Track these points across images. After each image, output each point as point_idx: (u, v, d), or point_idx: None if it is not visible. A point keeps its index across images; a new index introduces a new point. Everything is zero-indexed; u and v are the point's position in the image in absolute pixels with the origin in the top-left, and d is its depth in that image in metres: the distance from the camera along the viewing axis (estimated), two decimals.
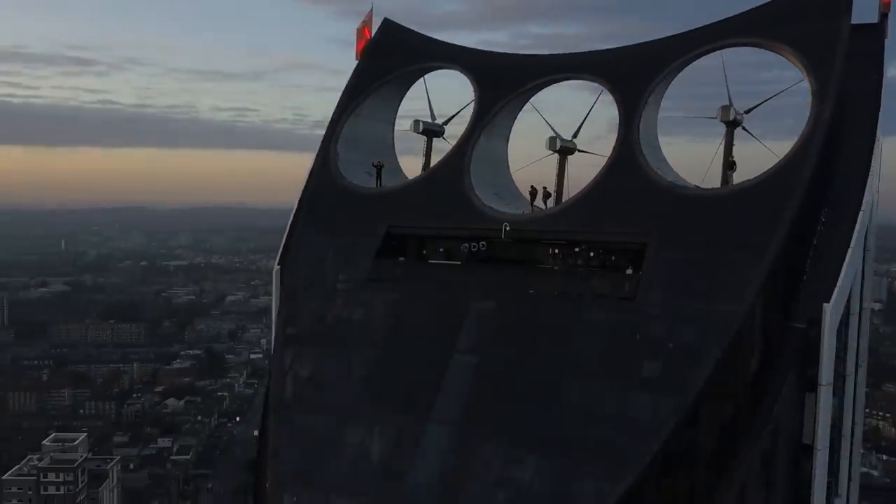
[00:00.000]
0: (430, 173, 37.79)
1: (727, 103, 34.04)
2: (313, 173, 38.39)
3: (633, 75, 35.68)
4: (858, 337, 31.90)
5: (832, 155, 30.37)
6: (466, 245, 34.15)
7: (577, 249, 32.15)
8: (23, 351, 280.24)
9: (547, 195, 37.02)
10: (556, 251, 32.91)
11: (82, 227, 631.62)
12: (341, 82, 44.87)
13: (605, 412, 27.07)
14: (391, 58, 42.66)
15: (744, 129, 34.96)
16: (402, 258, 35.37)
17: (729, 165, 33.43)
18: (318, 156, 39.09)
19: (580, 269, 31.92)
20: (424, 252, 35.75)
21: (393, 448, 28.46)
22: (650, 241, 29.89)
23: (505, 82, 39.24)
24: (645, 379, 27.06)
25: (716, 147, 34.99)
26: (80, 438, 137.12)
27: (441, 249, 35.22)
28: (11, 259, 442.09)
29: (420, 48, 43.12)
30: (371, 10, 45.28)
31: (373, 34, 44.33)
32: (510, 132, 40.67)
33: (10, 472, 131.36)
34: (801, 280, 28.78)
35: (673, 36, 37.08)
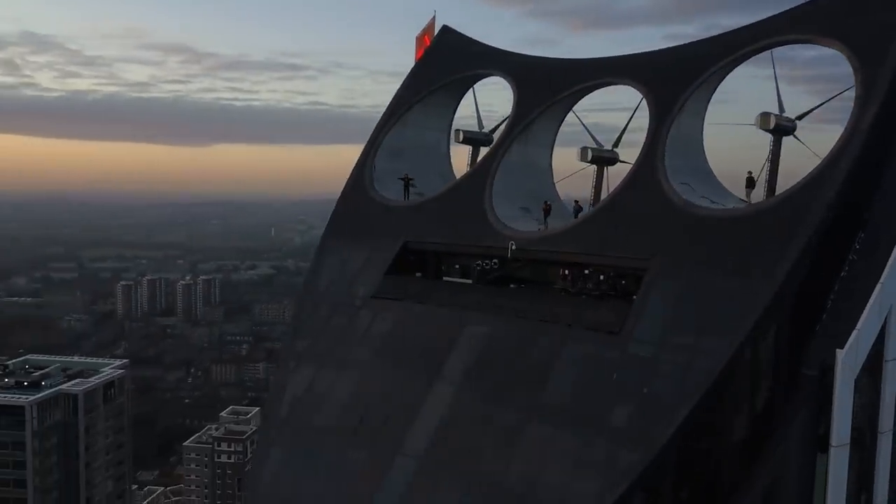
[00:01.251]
0: (453, 186, 36.38)
1: (772, 110, 29.54)
2: (347, 184, 38.50)
3: (669, 79, 32.00)
4: None
5: (873, 170, 25.18)
6: (479, 263, 32.65)
7: (586, 272, 29.42)
8: (228, 327, 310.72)
9: (578, 209, 34.30)
10: (566, 273, 30.41)
11: (291, 217, 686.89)
12: None
13: (564, 462, 24.33)
14: (444, 66, 41.65)
15: (795, 137, 30.12)
16: (419, 274, 34.51)
17: (748, 182, 28.95)
18: (355, 166, 39.15)
19: (585, 294, 29.19)
20: (442, 268, 34.63)
21: (358, 480, 27.59)
22: (651, 267, 26.65)
23: (546, 89, 36.92)
24: (614, 428, 24.05)
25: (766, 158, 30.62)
26: (253, 412, 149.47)
27: (457, 266, 33.93)
28: (227, 245, 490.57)
29: (473, 55, 41.68)
30: (433, 17, 44.55)
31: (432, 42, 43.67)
32: (553, 141, 38.18)
33: (190, 440, 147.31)
34: (820, 318, 24.20)
35: (718, 35, 32.78)
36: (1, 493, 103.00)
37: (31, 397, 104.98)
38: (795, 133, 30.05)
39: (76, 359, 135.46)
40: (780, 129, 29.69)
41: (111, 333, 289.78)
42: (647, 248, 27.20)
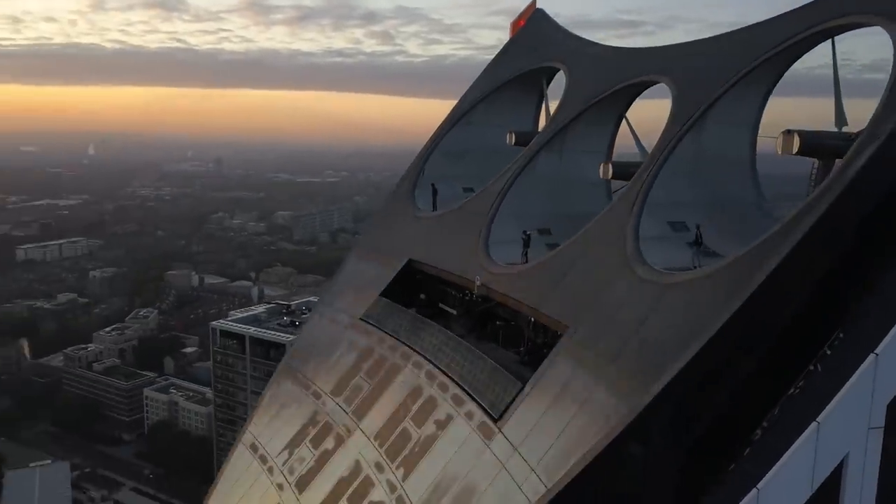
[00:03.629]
0: (469, 200, 31.46)
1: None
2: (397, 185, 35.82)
3: (698, 81, 23.79)
4: None
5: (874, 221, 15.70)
6: (465, 294, 28.05)
7: (530, 323, 23.43)
8: None
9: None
10: (513, 322, 24.79)
11: None
12: None
13: None
14: (521, 57, 36.36)
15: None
16: (423, 295, 30.84)
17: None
18: (408, 170, 36.25)
19: (525, 352, 23.30)
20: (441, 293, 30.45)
21: None
22: (564, 336, 20.28)
23: (594, 88, 30.08)
24: None
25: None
26: None
27: (452, 293, 29.61)
28: None
29: (551, 44, 35.60)
30: (533, 1, 38.88)
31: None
32: (605, 147, 31.06)
33: None
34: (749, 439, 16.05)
35: (760, 24, 23.29)
36: None
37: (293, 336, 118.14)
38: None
39: None
40: (820, 149, 20.18)
41: None
42: (569, 308, 20.76)
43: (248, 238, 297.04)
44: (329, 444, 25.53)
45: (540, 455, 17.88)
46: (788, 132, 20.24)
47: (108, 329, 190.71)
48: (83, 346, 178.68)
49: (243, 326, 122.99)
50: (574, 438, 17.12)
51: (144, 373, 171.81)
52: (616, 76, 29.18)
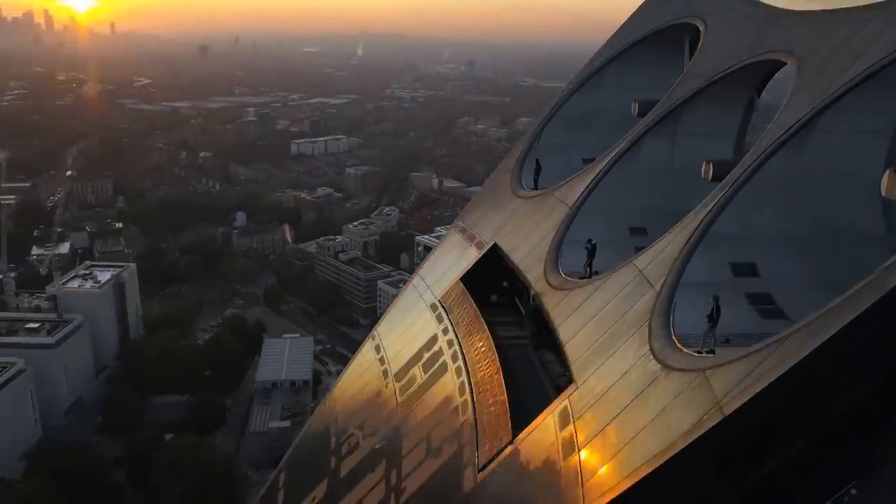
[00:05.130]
0: (558, 186, 27.42)
1: None
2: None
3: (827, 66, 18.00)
4: None
5: None
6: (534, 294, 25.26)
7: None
8: None
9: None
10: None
11: None
12: None
13: None
14: (666, 10, 30.45)
15: None
16: (506, 283, 28.38)
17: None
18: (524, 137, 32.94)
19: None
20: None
21: None
22: (563, 393, 17.24)
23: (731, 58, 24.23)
24: None
25: None
26: None
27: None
28: None
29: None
30: None
31: None
32: (737, 132, 25.18)
33: None
34: None
35: None
36: None
37: None
38: None
39: None
40: None
41: None
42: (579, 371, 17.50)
43: (488, 144, 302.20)
44: None
45: None
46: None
47: (355, 223, 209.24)
48: (332, 237, 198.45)
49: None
50: None
51: (381, 266, 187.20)
52: (749, 48, 23.10)
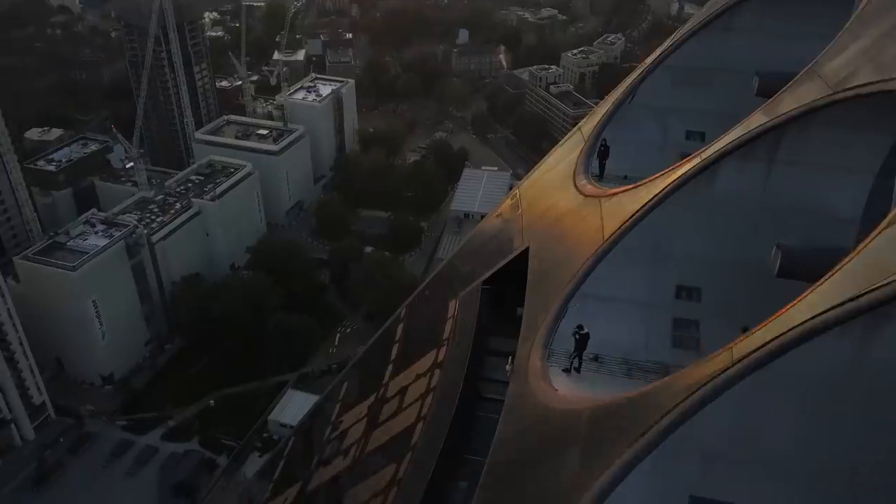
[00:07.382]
0: (616, 192, 19.80)
1: None
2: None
3: None
4: None
5: None
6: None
7: None
8: None
9: None
10: None
11: None
12: None
13: None
14: None
15: None
16: None
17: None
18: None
19: None
20: None
21: None
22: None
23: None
24: None
25: None
26: None
27: None
28: None
29: None
30: None
31: None
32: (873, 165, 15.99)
33: None
34: None
35: None
36: None
37: None
38: None
39: None
40: None
41: None
42: None
43: None
44: None
45: None
46: None
47: (574, 51, 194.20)
48: (547, 66, 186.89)
49: None
50: None
51: (592, 102, 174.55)
52: None
